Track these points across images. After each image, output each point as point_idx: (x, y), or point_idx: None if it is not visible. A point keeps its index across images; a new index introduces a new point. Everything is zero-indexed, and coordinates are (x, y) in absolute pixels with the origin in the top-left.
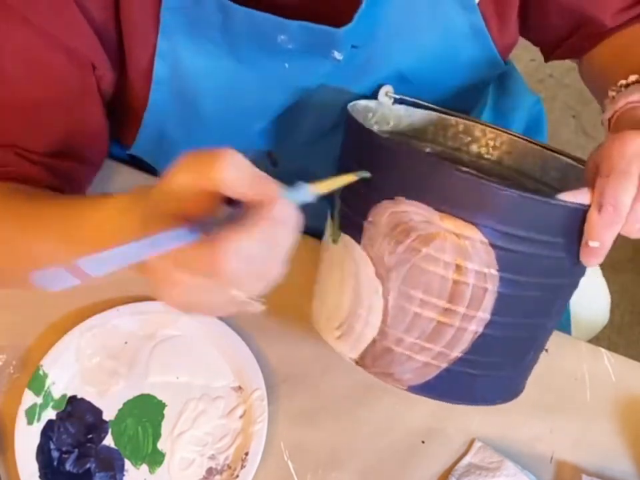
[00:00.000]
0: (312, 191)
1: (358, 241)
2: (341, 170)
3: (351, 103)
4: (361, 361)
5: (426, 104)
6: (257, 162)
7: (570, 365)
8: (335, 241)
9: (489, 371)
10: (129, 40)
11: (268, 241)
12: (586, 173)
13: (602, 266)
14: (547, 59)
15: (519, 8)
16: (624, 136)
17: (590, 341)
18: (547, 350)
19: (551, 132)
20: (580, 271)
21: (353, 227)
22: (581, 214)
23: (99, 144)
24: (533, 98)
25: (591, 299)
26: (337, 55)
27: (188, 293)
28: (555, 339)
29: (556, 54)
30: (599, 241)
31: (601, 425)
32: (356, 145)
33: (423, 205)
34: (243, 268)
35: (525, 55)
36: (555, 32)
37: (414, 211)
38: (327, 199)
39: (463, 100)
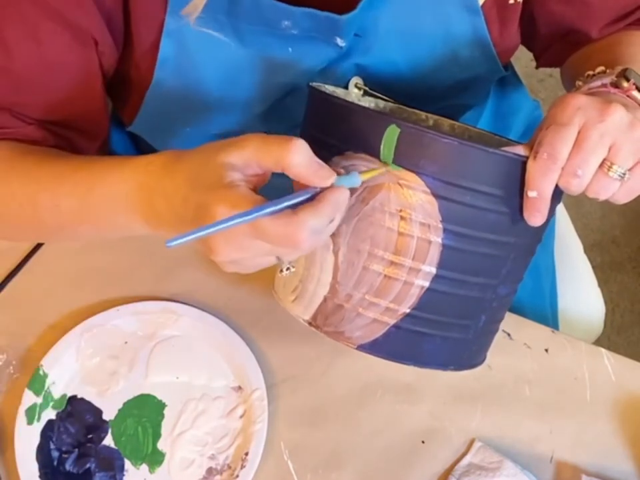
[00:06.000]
0: (360, 178)
1: None
2: (301, 135)
3: (316, 84)
4: (313, 322)
5: (391, 100)
6: None
7: (570, 364)
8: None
9: (437, 330)
10: (136, 17)
11: (331, 218)
12: (532, 136)
13: (602, 266)
14: (537, 66)
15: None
16: (566, 94)
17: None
18: (547, 350)
19: None
20: (529, 232)
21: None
22: (520, 166)
23: (100, 118)
24: (533, 103)
25: (585, 308)
26: (340, 42)
27: (248, 257)
28: (555, 339)
29: (541, 61)
30: (535, 190)
31: (601, 425)
32: (311, 108)
33: (368, 157)
34: (313, 241)
35: (526, 55)
36: (541, 40)
37: (361, 163)
38: None
39: (459, 100)
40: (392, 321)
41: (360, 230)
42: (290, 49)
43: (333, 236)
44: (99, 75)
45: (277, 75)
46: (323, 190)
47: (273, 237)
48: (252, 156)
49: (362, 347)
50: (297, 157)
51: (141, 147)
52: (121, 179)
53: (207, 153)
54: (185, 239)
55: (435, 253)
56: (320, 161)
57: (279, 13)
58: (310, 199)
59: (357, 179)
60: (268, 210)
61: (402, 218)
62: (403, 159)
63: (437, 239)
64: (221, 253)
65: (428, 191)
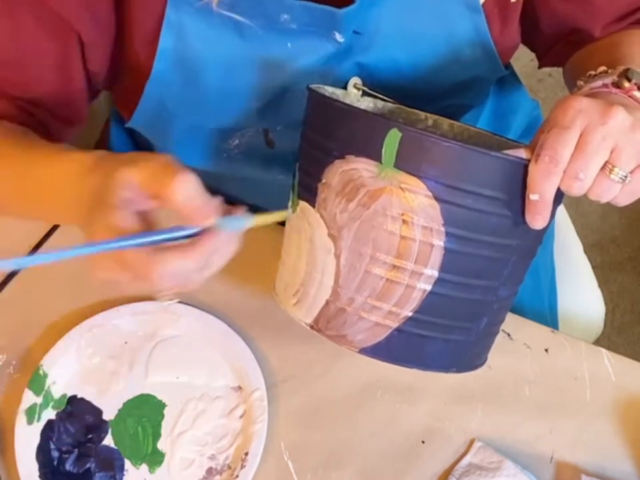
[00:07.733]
0: (248, 222)
1: (313, 204)
2: (303, 138)
3: (315, 85)
4: (315, 325)
5: (391, 100)
6: (253, 142)
7: (570, 364)
8: (294, 211)
9: (439, 333)
10: (134, 8)
11: (201, 264)
12: (533, 139)
13: (602, 266)
14: (539, 66)
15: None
16: (567, 96)
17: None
18: (547, 350)
19: None
20: (530, 234)
21: (309, 191)
22: (522, 169)
23: (76, 105)
24: (532, 103)
25: (585, 308)
26: (338, 37)
27: (119, 278)
28: (555, 339)
29: (544, 61)
30: (537, 192)
31: (601, 425)
32: (311, 111)
33: (370, 161)
34: (172, 282)
35: (525, 55)
36: (544, 40)
37: (363, 167)
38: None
39: (460, 99)
40: (394, 325)
41: (362, 234)
42: (289, 44)
43: (334, 240)
44: (78, 66)
45: (275, 71)
46: (201, 231)
47: (131, 268)
48: (144, 178)
49: (364, 351)
50: (180, 191)
51: (139, 144)
52: (66, 163)
53: (113, 164)
54: (23, 263)
55: (437, 257)
56: (206, 199)
57: (278, 6)
58: (192, 236)
59: (241, 223)
60: (132, 242)
61: (404, 222)
62: (404, 163)
63: (439, 242)
64: (95, 269)
65: (430, 194)
